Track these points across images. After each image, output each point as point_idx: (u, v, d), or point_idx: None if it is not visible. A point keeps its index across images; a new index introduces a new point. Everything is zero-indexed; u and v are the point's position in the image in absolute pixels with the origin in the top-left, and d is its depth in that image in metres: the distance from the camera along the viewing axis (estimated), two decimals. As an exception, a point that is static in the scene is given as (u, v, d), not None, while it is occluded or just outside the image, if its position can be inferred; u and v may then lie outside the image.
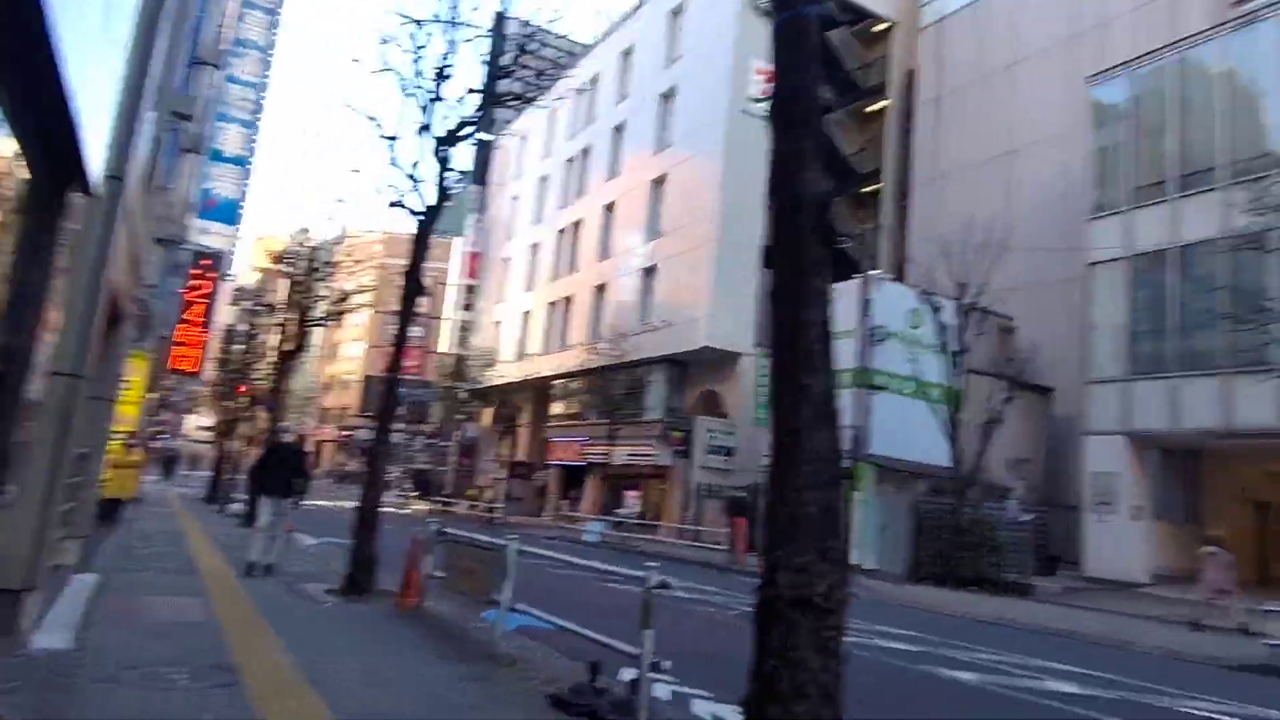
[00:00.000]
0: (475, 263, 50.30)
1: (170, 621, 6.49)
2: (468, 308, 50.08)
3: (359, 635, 6.81)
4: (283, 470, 10.17)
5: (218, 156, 19.01)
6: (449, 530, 8.38)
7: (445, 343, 58.83)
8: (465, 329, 49.87)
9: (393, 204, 9.95)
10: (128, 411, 16.17)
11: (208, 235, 18.74)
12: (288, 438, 10.98)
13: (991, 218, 20.67)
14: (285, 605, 7.88)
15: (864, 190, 34.43)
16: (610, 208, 36.47)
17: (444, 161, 9.66)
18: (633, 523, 25.98)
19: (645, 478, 32.63)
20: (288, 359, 18.65)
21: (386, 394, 9.52)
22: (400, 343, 9.60)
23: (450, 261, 62.25)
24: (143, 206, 8.39)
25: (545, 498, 40.17)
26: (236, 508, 21.93)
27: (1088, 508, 19.31)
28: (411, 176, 9.70)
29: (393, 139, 9.72)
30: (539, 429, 41.91)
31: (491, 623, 7.56)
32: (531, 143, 46.21)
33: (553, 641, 6.83)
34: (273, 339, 34.96)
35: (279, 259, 18.16)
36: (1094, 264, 20.18)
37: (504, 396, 43.01)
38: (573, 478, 39.18)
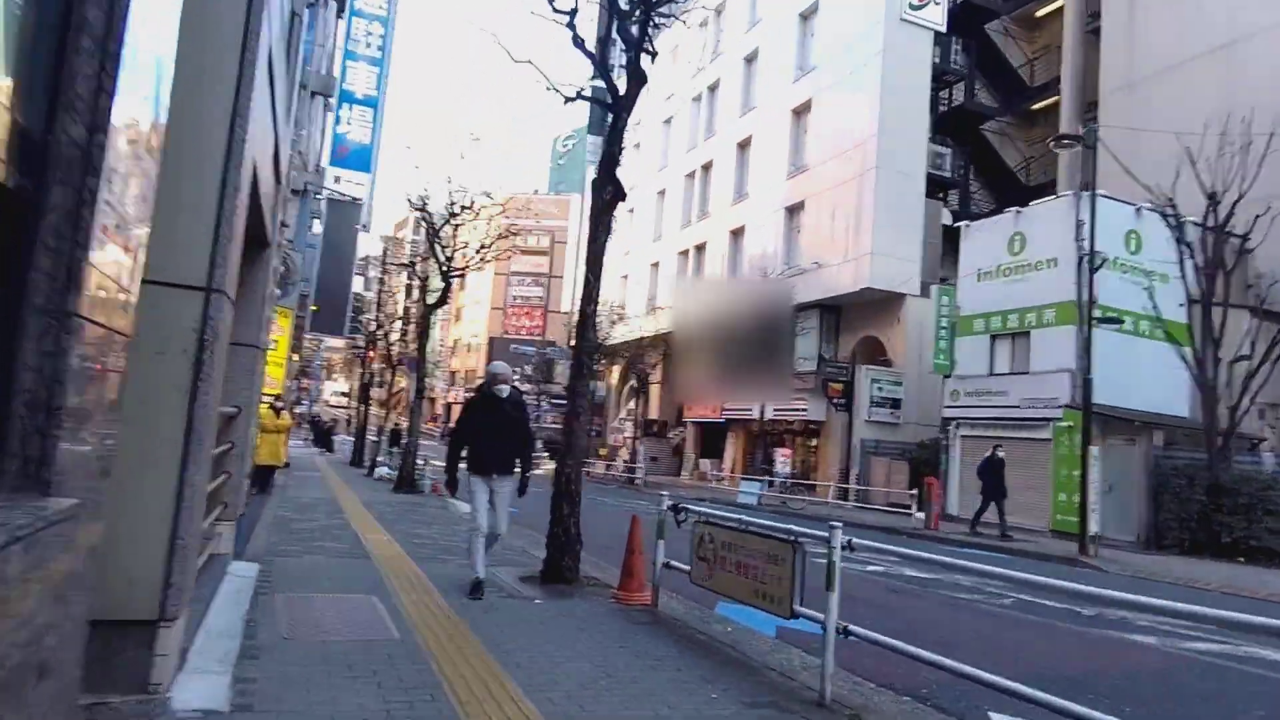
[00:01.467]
0: (597, 216, 48.55)
1: (357, 641, 4.79)
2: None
3: (592, 647, 4.97)
4: (501, 439, 6.61)
5: (349, 98, 17.65)
6: (693, 507, 6.41)
7: (568, 301, 57.81)
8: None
9: (574, 97, 7.99)
10: (273, 373, 15.14)
11: (341, 185, 17.45)
12: (502, 389, 6.61)
13: (1207, 124, 16.93)
14: (484, 602, 6.14)
15: (1037, 106, 30.41)
16: (744, 145, 33.78)
17: (633, 38, 7.56)
18: (789, 483, 23.76)
19: (795, 434, 30.36)
20: (431, 312, 17.31)
21: (580, 336, 7.61)
22: (595, 265, 7.64)
23: (570, 218, 61.07)
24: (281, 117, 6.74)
25: (682, 457, 38.52)
26: (383, 471, 21.08)
27: (1380, 460, 15.75)
28: (593, 55, 7.66)
29: (572, 13, 7.66)
30: (671, 385, 40.17)
31: (771, 638, 5.59)
32: (652, 86, 43.73)
33: (844, 658, 4.76)
34: (402, 297, 34.40)
35: (420, 208, 16.70)
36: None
37: (634, 352, 41.34)
38: (711, 436, 37.33)
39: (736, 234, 33.63)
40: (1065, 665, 6.05)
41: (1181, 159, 15.93)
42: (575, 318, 7.82)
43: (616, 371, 46.06)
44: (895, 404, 24.79)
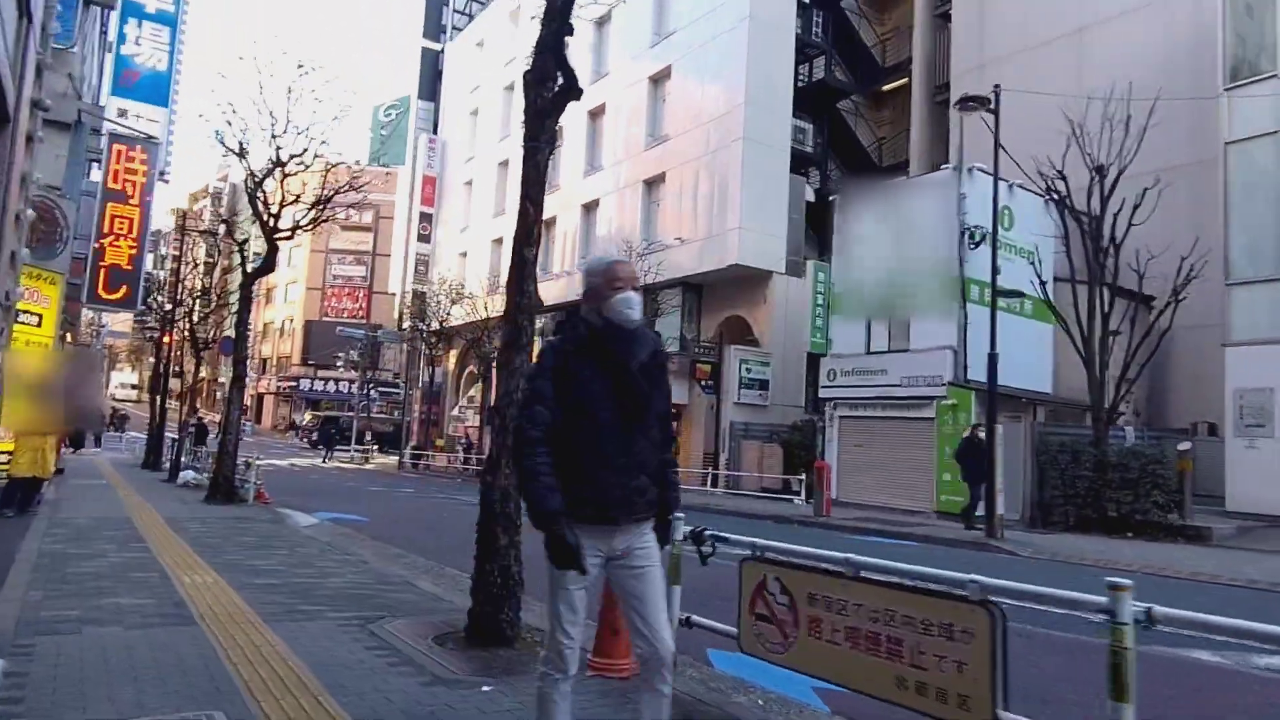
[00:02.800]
0: (432, 188, 44.97)
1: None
2: (424, 239, 44.91)
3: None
4: (637, 435, 2.90)
5: (137, 12, 14.00)
6: (737, 536, 4.42)
7: (397, 281, 53.71)
8: (423, 263, 44.79)
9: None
10: (30, 356, 11.60)
11: (129, 121, 13.85)
12: (631, 312, 2.86)
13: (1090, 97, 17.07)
14: (396, 698, 3.91)
15: (888, 88, 30.67)
16: (597, 114, 31.88)
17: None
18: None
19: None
20: (252, 281, 14.17)
21: (517, 290, 5.47)
22: (536, 190, 5.57)
23: (397, 193, 56.68)
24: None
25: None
26: (189, 476, 17.53)
27: (1234, 432, 16.41)
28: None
29: None
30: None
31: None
32: (490, 48, 40.90)
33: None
34: (201, 271, 29.71)
35: (238, 152, 13.51)
36: (1233, 143, 16.92)
37: (475, 335, 38.52)
38: (561, 422, 35.33)
39: (589, 208, 31.73)
40: (1177, 706, 4.70)
41: (1048, 136, 15.80)
42: (510, 263, 5.67)
43: (454, 356, 42.94)
44: (764, 385, 23.95)
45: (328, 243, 62.24)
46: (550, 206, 31.01)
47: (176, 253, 28.60)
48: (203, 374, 25.29)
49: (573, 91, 5.46)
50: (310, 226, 14.42)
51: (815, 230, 26.74)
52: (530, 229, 5.45)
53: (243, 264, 14.49)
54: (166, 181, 14.52)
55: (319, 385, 59.22)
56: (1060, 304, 16.67)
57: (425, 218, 44.98)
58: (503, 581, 4.97)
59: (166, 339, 26.55)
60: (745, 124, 24.08)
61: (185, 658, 4.34)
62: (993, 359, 13.96)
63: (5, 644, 4.34)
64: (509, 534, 5.08)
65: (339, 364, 48.55)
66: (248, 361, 61.98)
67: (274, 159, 13.84)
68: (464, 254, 41.29)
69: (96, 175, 13.69)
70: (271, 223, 14.05)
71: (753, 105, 24.24)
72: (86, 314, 34.35)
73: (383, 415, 54.81)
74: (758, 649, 3.65)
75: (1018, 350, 17.58)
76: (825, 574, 3.38)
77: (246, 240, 14.74)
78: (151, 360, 31.69)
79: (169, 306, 24.19)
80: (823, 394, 20.34)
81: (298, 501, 15.43)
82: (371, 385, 44.94)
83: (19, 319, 11.30)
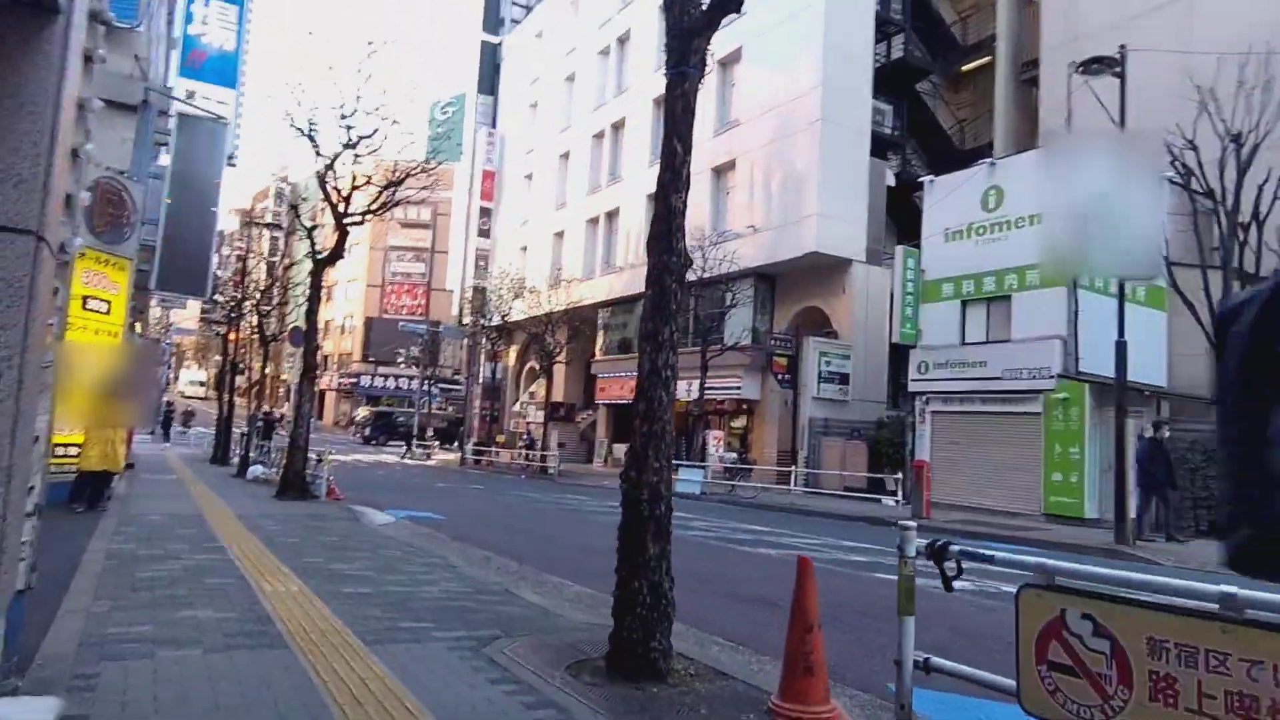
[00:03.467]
0: (491, 183, 44.57)
1: None
2: (484, 233, 44.52)
3: None
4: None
5: (205, -10, 13.54)
6: (1004, 553, 3.41)
7: (455, 277, 53.56)
8: (483, 258, 44.41)
9: None
10: (98, 345, 11.12)
11: (197, 102, 13.37)
12: None
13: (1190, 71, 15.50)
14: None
15: (968, 67, 29.12)
16: (661, 101, 30.86)
17: None
18: (735, 468, 21.28)
19: (724, 414, 28.03)
20: (322, 269, 13.58)
21: (664, 246, 4.58)
22: (684, 130, 4.66)
23: (455, 189, 56.57)
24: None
25: (592, 442, 35.59)
26: (258, 471, 17.10)
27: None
28: None
29: None
30: (578, 366, 37.11)
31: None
32: (550, 39, 40.27)
33: None
34: (263, 270, 29.55)
35: (308, 133, 12.92)
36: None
37: (536, 331, 37.97)
38: (625, 419, 34.54)
39: (654, 198, 30.75)
40: None
41: (1164, 106, 14.31)
42: (652, 215, 4.79)
43: (514, 351, 42.50)
44: (844, 379, 22.76)
45: (387, 240, 62.56)
46: (612, 197, 30.20)
47: (241, 252, 28.57)
48: (267, 370, 25.04)
49: (731, 2, 4.48)
50: (380, 211, 13.78)
51: (895, 217, 25.39)
52: (679, 172, 4.57)
53: (311, 251, 13.90)
54: (234, 165, 14.05)
55: (379, 381, 59.47)
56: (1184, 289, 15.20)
57: (485, 212, 44.60)
58: (653, 601, 4.06)
59: (232, 335, 26.48)
60: (823, 105, 22.90)
61: (280, 695, 3.52)
62: (1121, 348, 12.65)
63: (64, 673, 3.58)
64: (659, 542, 4.18)
65: (400, 360, 48.51)
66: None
67: (345, 140, 13.21)
68: (524, 248, 40.78)
69: (165, 160, 13.24)
70: (342, 207, 13.44)
71: (831, 86, 23.05)
72: (155, 311, 34.70)
73: (439, 411, 54.84)
74: (1053, 710, 2.65)
75: (1130, 339, 16.16)
76: (1179, 613, 2.37)
77: (315, 226, 14.18)
78: (218, 358, 31.83)
79: (235, 299, 24.01)
80: (913, 387, 19.08)
81: (368, 497, 14.82)
82: (433, 381, 44.71)
83: (87, 305, 10.83)
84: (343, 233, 13.52)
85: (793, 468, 21.65)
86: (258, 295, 21.11)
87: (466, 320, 43.20)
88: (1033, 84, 26.42)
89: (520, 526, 12.09)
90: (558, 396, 36.24)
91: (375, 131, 13.30)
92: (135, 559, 6.75)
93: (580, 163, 36.27)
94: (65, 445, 10.56)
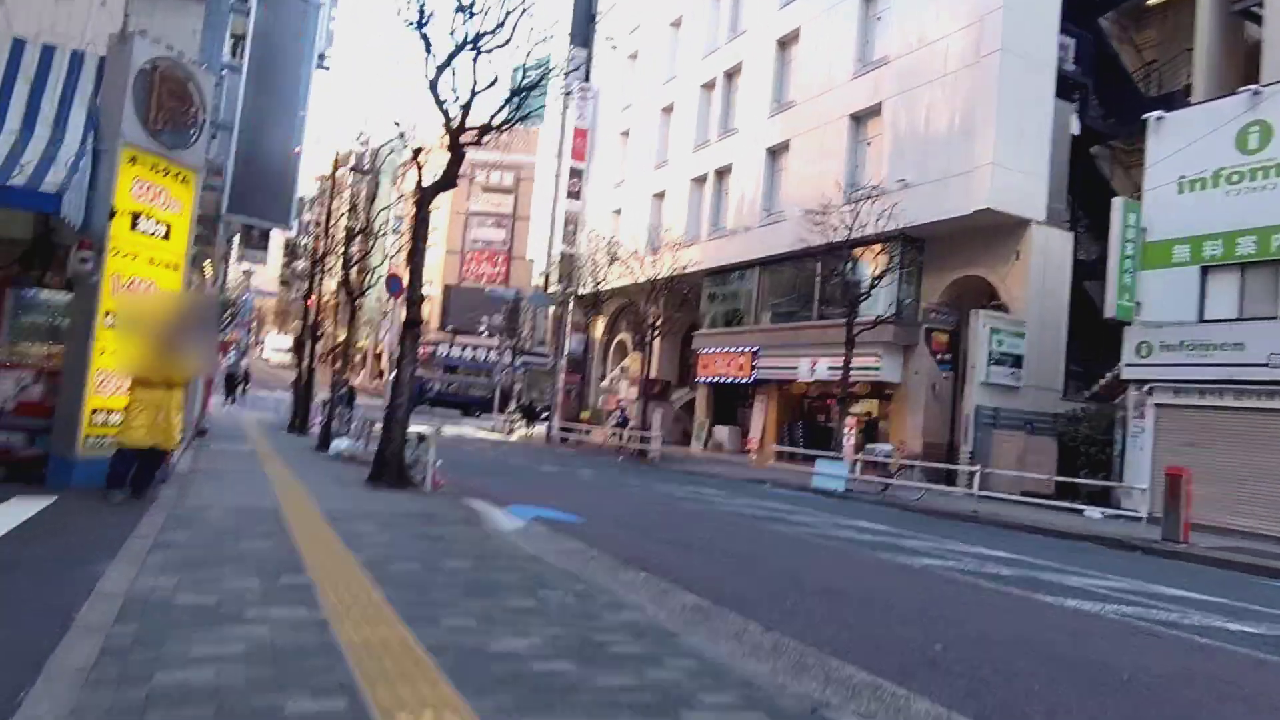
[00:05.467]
0: (583, 140, 41.62)
1: None
2: (574, 195, 41.67)
3: None
4: None
5: None
6: None
7: (537, 244, 51.09)
8: (572, 222, 41.61)
9: None
10: (158, 278, 8.51)
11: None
12: None
13: None
14: None
15: (1153, 1, 24.75)
16: (788, 41, 27.43)
17: None
18: (898, 464, 17.89)
19: (855, 397, 24.66)
20: (432, 197, 10.79)
21: None
22: None
23: (538, 152, 53.92)
24: None
25: (690, 424, 32.57)
26: (343, 446, 14.58)
27: None
28: None
29: None
30: (673, 340, 34.05)
31: None
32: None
33: None
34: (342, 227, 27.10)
35: (419, 22, 10.06)
36: None
37: (632, 300, 35.00)
38: (726, 399, 31.45)
39: (776, 152, 27.40)
40: None
41: None
42: None
43: (601, 323, 39.71)
44: (1016, 362, 19.15)
45: (468, 205, 60.45)
46: (723, 153, 26.62)
47: (320, 216, 26.29)
48: (340, 336, 22.82)
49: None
50: (505, 126, 10.88)
51: (1076, 172, 21.50)
52: None
53: (418, 178, 11.09)
54: (326, 68, 11.39)
55: (456, 351, 57.61)
56: None
57: (575, 173, 41.69)
58: None
59: (311, 299, 24.28)
60: (1004, 31, 19.14)
61: None
62: None
63: None
64: None
65: (481, 329, 46.21)
66: (385, 324, 60.72)
67: (465, 35, 10.30)
68: (618, 211, 37.81)
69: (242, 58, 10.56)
70: (458, 121, 10.57)
71: (1013, 7, 19.25)
72: (234, 267, 32.84)
73: (473, 379, 52.46)
74: None
75: None
76: None
77: (421, 149, 11.38)
78: (297, 322, 29.94)
79: (316, 252, 21.66)
80: (1129, 374, 15.47)
81: (472, 484, 12.09)
82: (516, 352, 42.24)
83: (137, 226, 8.18)
84: (457, 153, 10.67)
85: (964, 466, 18.17)
86: (344, 241, 18.63)
87: (554, 288, 40.59)
88: (1244, 16, 22.08)
89: (683, 537, 9.12)
90: (652, 372, 33.21)
91: (503, 24, 10.35)
92: (170, 614, 3.95)
93: (686, 116, 32.96)
94: (105, 411, 7.98)
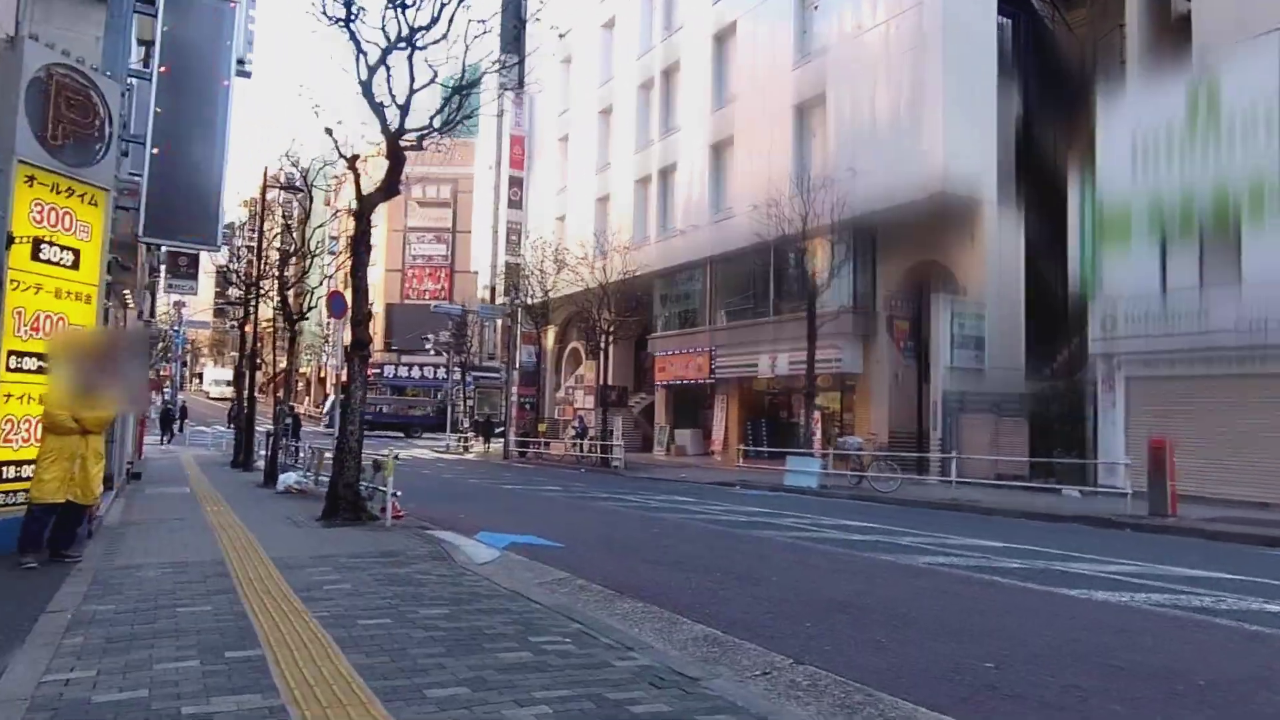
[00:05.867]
0: (521, 149, 40.81)
1: None
2: (515, 204, 40.81)
3: None
4: None
5: None
6: None
7: (480, 257, 50.03)
8: (515, 232, 40.73)
9: None
10: (69, 312, 7.59)
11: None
12: None
13: None
14: None
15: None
16: (724, 36, 27.10)
17: None
18: (869, 455, 17.47)
19: (819, 391, 24.37)
20: (373, 207, 10.01)
21: None
22: None
23: (475, 163, 52.87)
24: None
25: (651, 429, 31.98)
26: (290, 480, 13.66)
27: None
28: None
29: None
30: (627, 345, 33.41)
31: None
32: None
33: None
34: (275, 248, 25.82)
35: (345, 18, 9.27)
36: None
37: (583, 308, 34.30)
38: (686, 401, 30.93)
39: (720, 148, 27.02)
40: None
41: None
42: None
43: (552, 333, 38.90)
44: (979, 345, 19.03)
45: (406, 221, 58.96)
46: (666, 152, 26.01)
47: (253, 229, 24.99)
48: (288, 359, 21.78)
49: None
50: (446, 129, 10.13)
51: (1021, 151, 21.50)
52: None
53: (356, 186, 10.26)
54: (248, 75, 10.48)
55: (403, 371, 56.12)
56: None
57: (515, 182, 40.85)
58: None
59: (248, 326, 23.07)
60: (944, 10, 19.03)
61: None
62: None
63: None
64: None
65: (428, 347, 44.85)
66: (326, 348, 58.79)
67: (399, 31, 9.53)
68: (562, 218, 37.08)
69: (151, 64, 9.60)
70: (395, 123, 9.81)
71: (952, -9, 19.18)
72: (163, 299, 31.21)
73: (413, 399, 51.21)
74: None
75: None
76: None
77: (357, 157, 10.56)
78: (234, 354, 28.38)
79: (249, 276, 20.51)
80: (1096, 349, 15.36)
81: (433, 511, 11.30)
82: (465, 368, 41.12)
83: (40, 254, 7.25)
84: (397, 158, 9.89)
85: (936, 454, 17.95)
86: (279, 264, 17.62)
87: (501, 299, 39.65)
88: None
89: (671, 554, 8.49)
90: (609, 379, 32.49)
91: (438, 17, 9.61)
92: (86, 720, 3.17)
93: (625, 117, 32.46)
94: (15, 464, 7.04)
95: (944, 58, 18.94)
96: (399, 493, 9.46)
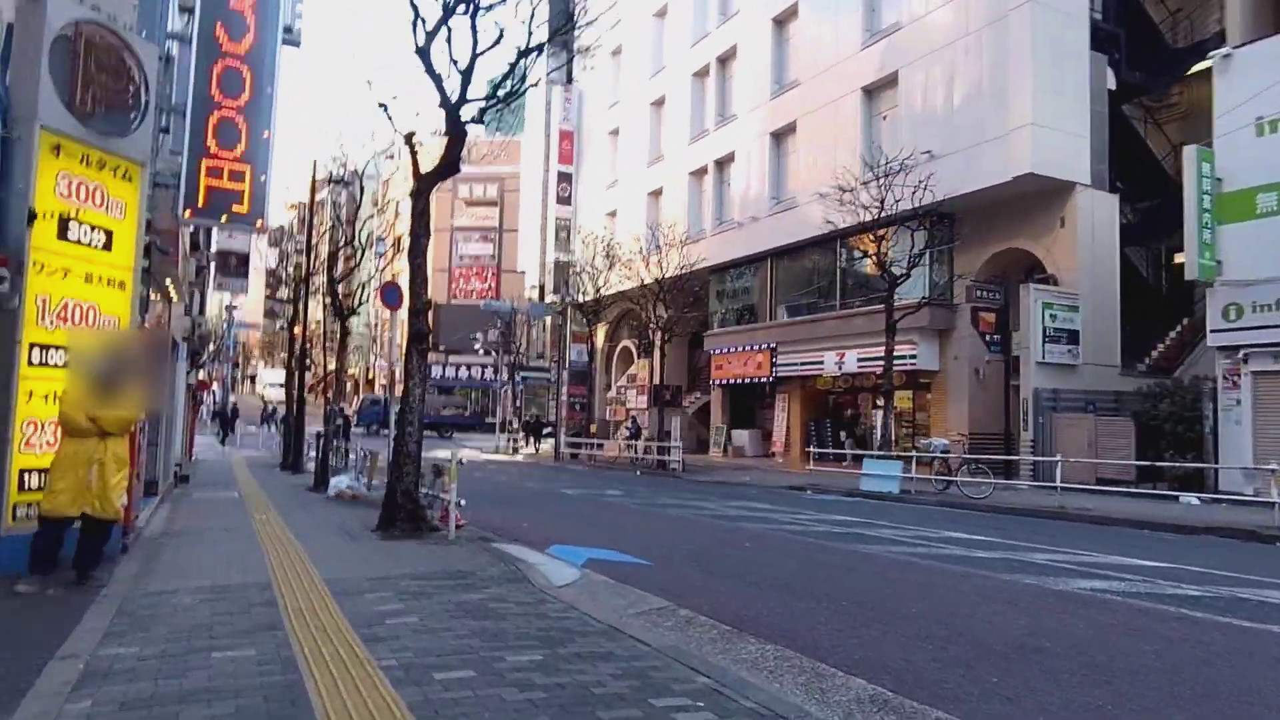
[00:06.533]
0: (570, 144, 39.98)
1: None
2: (564, 201, 39.99)
3: None
4: None
5: None
6: None
7: (528, 255, 49.43)
8: (564, 229, 39.93)
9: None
10: (100, 300, 6.78)
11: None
12: None
13: None
14: None
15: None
16: (785, 19, 25.87)
17: None
18: (961, 460, 16.10)
19: (880, 390, 23.04)
20: (433, 184, 9.10)
21: None
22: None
23: (522, 162, 52.31)
24: None
25: (707, 429, 30.84)
26: (343, 484, 12.87)
27: None
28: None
29: None
30: (681, 342, 32.32)
31: None
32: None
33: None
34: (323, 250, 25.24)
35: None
36: None
37: (635, 305, 33.32)
38: (743, 401, 29.76)
39: (781, 136, 25.80)
40: None
41: None
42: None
43: (602, 331, 37.92)
44: (1073, 338, 17.54)
45: (452, 221, 58.66)
46: (722, 142, 24.64)
47: (301, 233, 24.46)
48: (338, 359, 21.23)
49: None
50: (512, 98, 9.17)
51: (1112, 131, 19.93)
52: None
53: (415, 168, 9.34)
54: (295, 43, 9.67)
55: (451, 371, 55.70)
56: None
57: (564, 178, 40.05)
58: None
59: (297, 328, 22.61)
60: (1035, -18, 17.60)
61: None
62: None
63: None
64: None
65: (476, 347, 44.18)
66: (373, 348, 58.65)
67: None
68: (613, 213, 36.12)
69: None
70: (455, 95, 8.87)
71: (1043, -45, 17.72)
72: (213, 297, 30.90)
73: (445, 399, 49.73)
74: None
75: None
76: None
77: (414, 133, 9.67)
78: (283, 356, 27.87)
79: (299, 270, 19.89)
80: (1217, 340, 13.86)
81: (493, 519, 10.38)
82: (514, 367, 40.37)
83: (68, 233, 6.44)
84: (457, 131, 8.96)
85: (1029, 456, 16.54)
86: (329, 259, 16.99)
87: (550, 297, 38.86)
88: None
89: (771, 575, 7.39)
90: (662, 378, 31.43)
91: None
92: None
93: (678, 108, 31.35)
94: (38, 471, 6.23)
95: (1033, 29, 17.49)
96: (463, 501, 8.50)
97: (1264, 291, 13.20)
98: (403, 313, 10.30)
